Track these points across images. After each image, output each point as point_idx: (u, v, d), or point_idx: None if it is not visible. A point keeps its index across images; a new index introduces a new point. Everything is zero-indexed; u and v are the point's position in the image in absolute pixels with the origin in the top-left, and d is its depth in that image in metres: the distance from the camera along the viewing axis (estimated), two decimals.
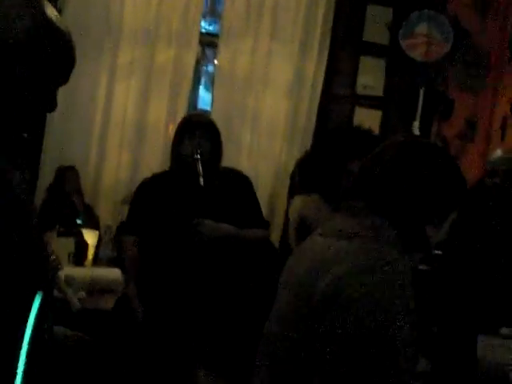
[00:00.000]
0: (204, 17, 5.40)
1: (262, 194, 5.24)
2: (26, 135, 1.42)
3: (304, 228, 2.67)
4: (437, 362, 2.77)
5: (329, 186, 2.64)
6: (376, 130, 5.25)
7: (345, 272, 1.41)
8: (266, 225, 3.10)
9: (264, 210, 5.20)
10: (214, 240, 2.78)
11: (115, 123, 5.24)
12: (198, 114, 3.26)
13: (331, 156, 2.71)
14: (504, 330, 1.97)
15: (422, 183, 1.52)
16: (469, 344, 1.97)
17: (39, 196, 4.50)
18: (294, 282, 1.57)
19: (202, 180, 2.77)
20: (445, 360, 2.68)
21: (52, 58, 1.38)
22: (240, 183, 3.00)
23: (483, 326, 1.97)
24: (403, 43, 5.16)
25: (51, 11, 1.39)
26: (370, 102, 5.32)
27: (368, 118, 5.28)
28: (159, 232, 2.83)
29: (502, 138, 4.69)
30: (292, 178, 4.47)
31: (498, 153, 2.93)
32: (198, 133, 2.89)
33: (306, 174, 2.84)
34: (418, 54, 5.15)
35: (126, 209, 3.29)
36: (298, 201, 2.59)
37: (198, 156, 2.82)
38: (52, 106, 1.47)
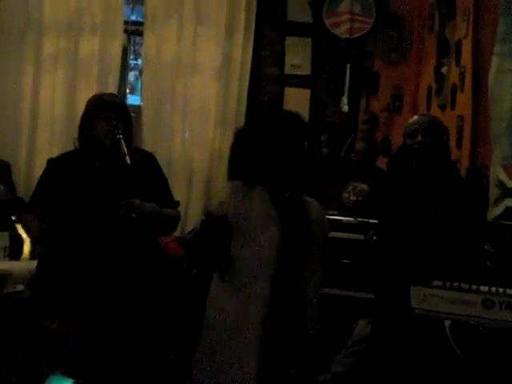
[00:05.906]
0: (128, 4, 5.32)
1: (198, 180, 5.24)
2: None
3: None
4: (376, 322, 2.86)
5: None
6: (306, 109, 5.31)
7: None
8: (176, 204, 3.08)
9: (200, 196, 5.23)
10: (143, 219, 2.75)
11: (44, 119, 5.13)
12: (110, 94, 3.18)
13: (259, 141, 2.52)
14: (436, 283, 2.05)
15: None
16: (402, 295, 2.04)
17: None
18: None
19: (128, 159, 2.71)
20: (383, 317, 2.76)
21: None
22: (149, 162, 2.97)
23: (416, 280, 2.04)
24: (327, 21, 5.24)
25: None
26: (299, 81, 5.38)
27: (297, 97, 5.34)
28: (77, 213, 2.74)
29: (428, 107, 4.81)
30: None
31: (415, 117, 3.00)
32: (114, 113, 2.79)
33: (232, 161, 2.86)
34: (342, 31, 5.23)
35: None
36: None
37: (121, 136, 2.77)
38: None
